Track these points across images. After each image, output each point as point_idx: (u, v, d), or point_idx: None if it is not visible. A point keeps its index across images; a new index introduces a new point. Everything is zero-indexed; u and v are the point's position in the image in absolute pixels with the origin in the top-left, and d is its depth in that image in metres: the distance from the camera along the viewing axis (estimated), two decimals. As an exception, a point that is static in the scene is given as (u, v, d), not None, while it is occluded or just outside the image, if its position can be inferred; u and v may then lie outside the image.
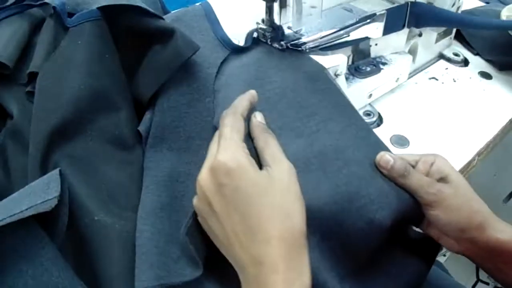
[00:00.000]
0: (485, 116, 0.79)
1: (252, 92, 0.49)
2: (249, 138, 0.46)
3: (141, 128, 0.56)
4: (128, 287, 0.44)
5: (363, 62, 0.75)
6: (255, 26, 0.64)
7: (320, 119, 0.55)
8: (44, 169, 0.50)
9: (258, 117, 0.48)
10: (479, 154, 0.73)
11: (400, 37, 0.79)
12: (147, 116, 0.57)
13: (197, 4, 0.70)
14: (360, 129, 0.56)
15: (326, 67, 0.61)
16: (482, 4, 1.11)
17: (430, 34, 0.87)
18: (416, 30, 0.82)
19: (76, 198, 0.48)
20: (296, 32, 0.63)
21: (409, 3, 0.74)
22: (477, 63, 0.93)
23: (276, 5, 0.60)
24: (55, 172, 0.45)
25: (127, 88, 0.58)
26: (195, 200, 0.43)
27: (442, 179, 0.50)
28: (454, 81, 0.88)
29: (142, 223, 0.48)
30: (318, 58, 0.61)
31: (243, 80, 0.58)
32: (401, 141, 0.72)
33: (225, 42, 0.64)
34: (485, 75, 0.90)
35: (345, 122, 0.56)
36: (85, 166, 0.51)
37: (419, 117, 0.78)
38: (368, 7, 0.73)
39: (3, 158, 0.57)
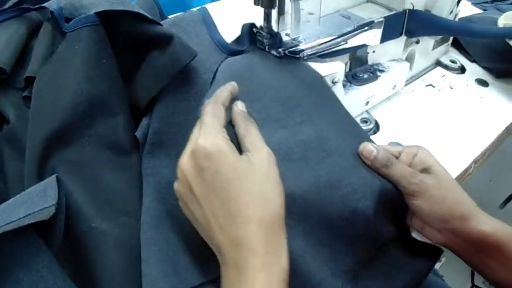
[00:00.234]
0: (481, 123, 0.79)
1: (233, 83, 0.51)
2: (230, 126, 0.47)
3: (138, 134, 0.56)
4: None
5: (361, 69, 0.76)
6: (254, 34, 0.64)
7: (304, 110, 0.55)
8: (41, 175, 0.50)
9: (239, 106, 0.49)
10: (475, 161, 0.73)
11: (397, 45, 0.80)
12: (144, 122, 0.57)
13: (194, 9, 0.70)
14: (345, 121, 0.56)
15: (324, 74, 0.61)
16: (480, 11, 1.12)
17: (427, 41, 0.87)
18: (413, 37, 0.82)
19: (73, 204, 0.48)
20: (294, 39, 0.63)
21: (407, 11, 0.74)
22: (474, 70, 0.94)
23: (274, 12, 0.60)
24: (52, 178, 0.45)
25: (124, 93, 0.58)
26: (176, 184, 0.44)
27: (425, 170, 0.51)
28: (451, 88, 0.88)
29: (151, 231, 0.48)
30: (315, 65, 0.61)
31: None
32: (397, 148, 0.72)
33: (222, 46, 0.64)
34: (482, 83, 0.90)
35: (330, 114, 0.56)
36: (82, 171, 0.51)
37: (416, 125, 0.78)
38: (366, 14, 0.73)
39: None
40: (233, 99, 0.50)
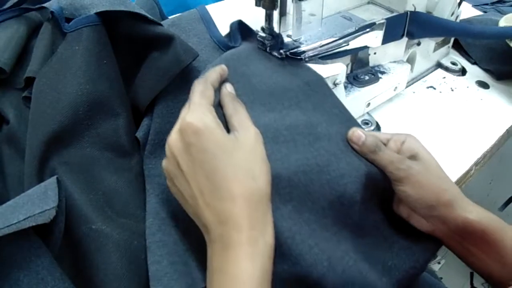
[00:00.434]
0: (482, 125, 0.79)
1: (223, 66, 0.52)
2: (219, 108, 0.48)
3: (139, 134, 0.56)
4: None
5: (362, 71, 0.75)
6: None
7: (294, 95, 0.56)
8: (40, 176, 0.50)
9: (228, 87, 0.51)
10: (476, 163, 0.73)
11: (398, 46, 0.79)
12: (145, 122, 0.57)
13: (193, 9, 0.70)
14: (334, 106, 0.56)
15: (325, 76, 0.60)
16: (480, 13, 1.12)
17: (428, 43, 0.87)
18: (415, 39, 0.82)
19: (73, 206, 0.47)
20: (295, 41, 0.63)
21: (409, 12, 0.74)
22: (475, 72, 0.94)
23: (275, 13, 0.60)
24: (53, 179, 0.45)
25: (125, 94, 0.58)
26: (164, 162, 0.45)
27: (413, 157, 0.51)
28: (452, 90, 0.88)
29: (160, 233, 0.48)
30: (317, 67, 0.61)
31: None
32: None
33: (221, 44, 0.64)
34: (483, 85, 0.90)
35: (319, 99, 0.56)
36: (83, 172, 0.51)
37: (417, 126, 0.78)
38: (367, 16, 0.73)
39: (-1, 164, 0.56)
40: (223, 81, 0.51)
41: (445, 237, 0.50)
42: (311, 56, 0.62)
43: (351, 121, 0.56)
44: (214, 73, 0.50)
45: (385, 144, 0.53)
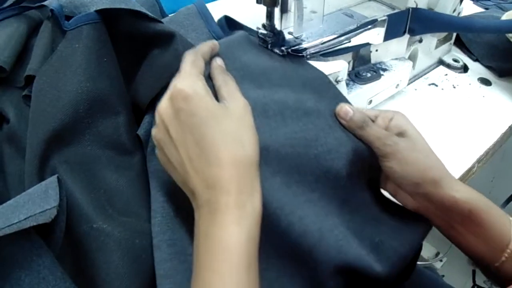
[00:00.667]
0: (484, 122, 0.79)
1: (214, 41, 0.53)
2: (209, 79, 0.49)
3: (141, 132, 0.55)
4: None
5: (364, 68, 0.75)
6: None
7: (283, 74, 0.56)
8: (41, 175, 0.50)
9: (218, 61, 0.51)
10: (479, 161, 0.73)
11: (400, 43, 0.79)
12: (146, 120, 0.56)
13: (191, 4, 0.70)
14: (322, 83, 0.57)
15: (327, 73, 0.60)
16: (482, 10, 1.12)
17: (430, 40, 0.86)
18: (416, 36, 0.82)
19: (75, 205, 0.47)
20: (297, 38, 0.62)
21: (410, 9, 0.74)
22: (477, 69, 0.93)
23: (277, 10, 0.60)
24: (53, 178, 0.44)
25: (125, 92, 0.57)
26: (153, 131, 0.46)
27: (400, 134, 0.51)
28: (454, 87, 0.87)
29: (169, 232, 0.48)
30: (319, 64, 0.61)
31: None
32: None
33: (219, 38, 0.64)
34: (485, 82, 0.90)
35: (308, 77, 0.57)
36: (84, 171, 0.51)
37: (419, 123, 0.77)
38: (369, 12, 0.73)
39: (-1, 163, 0.56)
40: (213, 56, 0.52)
41: (432, 215, 0.51)
42: (313, 53, 0.62)
43: (339, 96, 0.56)
44: (205, 46, 0.51)
45: (373, 121, 0.53)
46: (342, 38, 0.65)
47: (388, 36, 0.73)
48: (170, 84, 0.45)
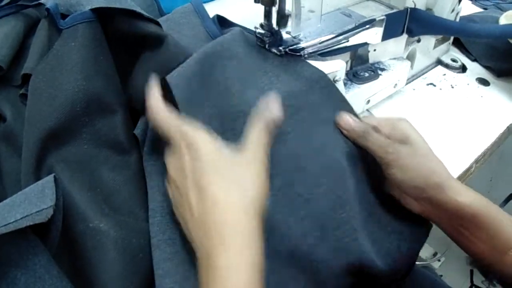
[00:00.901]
0: (482, 122, 0.79)
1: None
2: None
3: (137, 131, 0.55)
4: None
5: (362, 68, 0.75)
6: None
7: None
8: (38, 174, 0.50)
9: (275, 111, 0.47)
10: (477, 161, 0.73)
11: (398, 43, 0.79)
12: (142, 119, 0.56)
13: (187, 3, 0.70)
14: (321, 81, 0.58)
15: (325, 72, 0.60)
16: (480, 10, 1.12)
17: (428, 40, 0.86)
18: (414, 36, 0.82)
19: (71, 204, 0.47)
20: (294, 37, 0.62)
21: (409, 9, 0.73)
22: (475, 69, 0.93)
23: (274, 10, 0.60)
24: (50, 178, 0.44)
25: (121, 90, 0.57)
26: (166, 183, 0.46)
27: (403, 141, 0.51)
28: (452, 87, 0.87)
29: (169, 231, 0.48)
30: (316, 63, 0.61)
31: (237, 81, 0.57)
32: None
33: (215, 36, 0.63)
34: (483, 82, 0.89)
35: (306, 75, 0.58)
36: (80, 170, 0.51)
37: (417, 124, 0.77)
38: (367, 12, 0.73)
39: (-4, 161, 0.56)
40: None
41: (437, 219, 0.51)
42: (311, 53, 0.62)
43: (338, 97, 0.57)
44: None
45: (375, 128, 0.53)
46: (340, 37, 0.65)
47: (386, 36, 0.72)
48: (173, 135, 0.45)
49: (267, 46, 0.61)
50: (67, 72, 0.52)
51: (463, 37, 0.97)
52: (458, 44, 0.99)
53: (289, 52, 0.60)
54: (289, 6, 0.60)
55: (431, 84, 0.88)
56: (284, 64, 0.59)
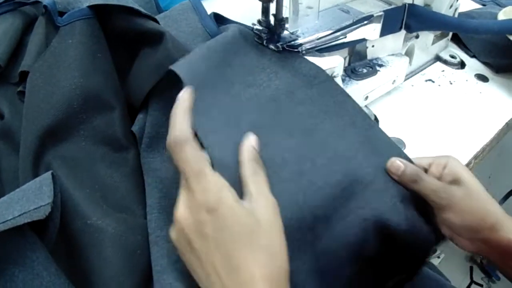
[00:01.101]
0: (481, 119, 0.79)
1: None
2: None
3: (135, 128, 0.55)
4: (121, 291, 0.44)
5: (360, 64, 0.75)
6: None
7: (316, 120, 0.54)
8: (35, 171, 0.50)
9: (252, 141, 0.45)
10: (475, 157, 0.73)
11: (397, 39, 0.79)
12: (140, 116, 0.56)
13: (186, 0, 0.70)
14: (365, 129, 0.55)
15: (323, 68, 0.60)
16: (479, 6, 1.11)
17: (427, 36, 0.86)
18: (412, 32, 0.82)
19: (69, 201, 0.47)
20: (292, 34, 0.62)
21: (407, 5, 0.73)
22: (474, 65, 0.93)
23: (272, 6, 0.59)
24: (48, 175, 0.44)
25: (119, 87, 0.57)
26: (172, 234, 0.41)
27: (455, 181, 0.50)
28: (451, 83, 0.87)
29: (167, 228, 0.47)
30: (314, 59, 0.60)
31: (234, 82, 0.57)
32: (397, 143, 0.72)
33: (213, 33, 0.63)
34: (482, 78, 0.89)
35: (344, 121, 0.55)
36: (78, 167, 0.51)
37: (415, 120, 0.78)
38: (365, 8, 0.73)
39: (-6, 159, 0.56)
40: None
41: (491, 257, 0.50)
42: (309, 49, 0.62)
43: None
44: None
45: (426, 169, 0.52)
46: (338, 33, 0.65)
47: (384, 32, 0.72)
48: (185, 178, 0.40)
49: (265, 42, 0.61)
50: (65, 69, 0.52)
51: (462, 33, 0.97)
52: (456, 40, 0.99)
53: (287, 48, 0.60)
54: (286, 2, 0.60)
55: (429, 80, 0.88)
56: (282, 61, 0.59)
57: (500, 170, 1.15)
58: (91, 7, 0.55)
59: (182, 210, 0.39)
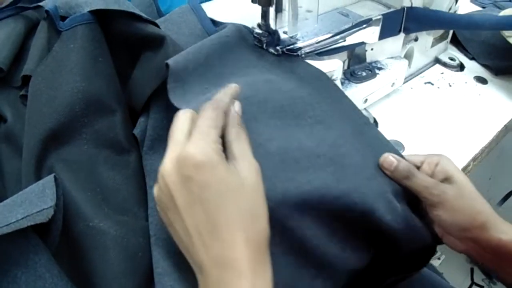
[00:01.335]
0: (480, 121, 0.79)
1: (235, 86, 0.46)
2: None
3: (136, 131, 0.56)
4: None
5: (359, 67, 0.75)
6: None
7: (313, 114, 0.54)
8: (38, 174, 0.50)
9: (236, 107, 0.45)
10: (474, 159, 0.73)
11: (396, 42, 0.79)
12: (141, 119, 0.57)
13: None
14: (357, 124, 0.55)
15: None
16: (478, 8, 1.12)
17: (426, 38, 0.87)
18: (412, 35, 0.82)
19: (71, 203, 0.48)
20: (291, 37, 0.63)
21: (406, 8, 0.74)
22: (473, 67, 0.94)
23: (272, 10, 0.60)
24: (50, 178, 0.45)
25: (121, 91, 0.58)
26: (155, 191, 0.41)
27: (447, 180, 0.51)
28: (450, 85, 0.88)
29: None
30: (314, 63, 0.61)
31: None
32: (396, 146, 0.72)
33: (212, 34, 0.64)
34: (481, 80, 0.90)
35: (338, 113, 0.55)
36: (80, 170, 0.51)
37: (415, 122, 0.78)
38: (364, 11, 0.73)
39: (-3, 162, 0.56)
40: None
41: (478, 256, 0.50)
42: (308, 53, 0.62)
43: (379, 142, 0.55)
44: (226, 96, 0.44)
45: (418, 167, 0.53)
46: (337, 37, 0.66)
47: (383, 35, 0.73)
48: (174, 137, 0.41)
49: (264, 46, 0.61)
50: (67, 74, 0.53)
51: (461, 30, 0.97)
52: (456, 42, 0.99)
53: (286, 52, 0.61)
54: (286, 6, 0.61)
55: (429, 82, 0.88)
56: (282, 64, 0.60)
57: (500, 172, 1.16)
58: (93, 12, 0.55)
59: (168, 164, 0.39)
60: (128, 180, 0.53)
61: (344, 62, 0.73)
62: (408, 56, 0.84)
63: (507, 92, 0.87)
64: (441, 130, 0.77)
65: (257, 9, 0.60)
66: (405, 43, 0.81)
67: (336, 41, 0.66)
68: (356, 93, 0.73)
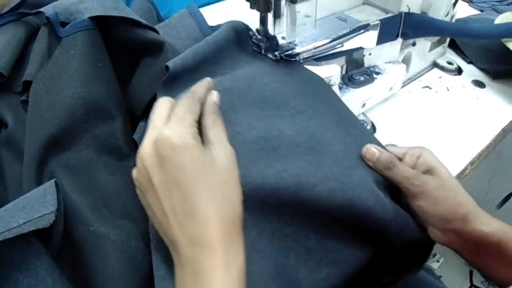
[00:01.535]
0: (478, 124, 0.80)
1: (209, 79, 0.49)
2: None
3: (136, 136, 0.56)
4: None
5: (357, 72, 0.76)
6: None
7: (295, 104, 0.55)
8: (39, 179, 0.51)
9: (213, 97, 0.47)
10: (471, 163, 0.74)
11: (394, 47, 0.80)
12: (141, 124, 0.57)
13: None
14: (342, 117, 0.56)
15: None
16: (477, 12, 1.12)
17: (424, 43, 0.87)
18: (410, 40, 0.83)
19: (72, 208, 0.48)
20: (290, 43, 0.63)
21: (403, 13, 0.74)
22: (471, 71, 0.94)
23: (270, 15, 0.61)
24: (51, 183, 0.45)
25: (121, 96, 0.58)
26: (134, 173, 0.43)
27: (428, 171, 0.52)
28: (448, 89, 0.88)
29: None
30: (312, 68, 0.62)
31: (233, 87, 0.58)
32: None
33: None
34: (479, 84, 0.90)
35: (325, 108, 0.56)
36: (81, 175, 0.52)
37: (413, 126, 0.79)
38: (362, 16, 0.74)
39: (-2, 167, 0.57)
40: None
41: (460, 249, 0.51)
42: (306, 58, 0.63)
43: (362, 133, 0.56)
44: (201, 87, 0.47)
45: (400, 159, 0.53)
46: (335, 42, 0.66)
47: (381, 40, 0.73)
48: (153, 122, 0.42)
49: (263, 51, 0.62)
50: (67, 79, 0.53)
51: (459, 38, 0.97)
52: (453, 46, 1.00)
53: (285, 57, 0.61)
54: (284, 12, 0.61)
55: (427, 87, 0.89)
56: (280, 69, 0.60)
57: (499, 175, 1.16)
58: (93, 18, 0.56)
59: (146, 146, 0.41)
60: (128, 184, 0.54)
61: (342, 67, 0.74)
62: (406, 61, 0.85)
63: (504, 96, 0.87)
64: (439, 134, 0.77)
65: (256, 14, 0.61)
66: (403, 47, 0.82)
67: (334, 46, 0.66)
68: (354, 97, 0.73)
